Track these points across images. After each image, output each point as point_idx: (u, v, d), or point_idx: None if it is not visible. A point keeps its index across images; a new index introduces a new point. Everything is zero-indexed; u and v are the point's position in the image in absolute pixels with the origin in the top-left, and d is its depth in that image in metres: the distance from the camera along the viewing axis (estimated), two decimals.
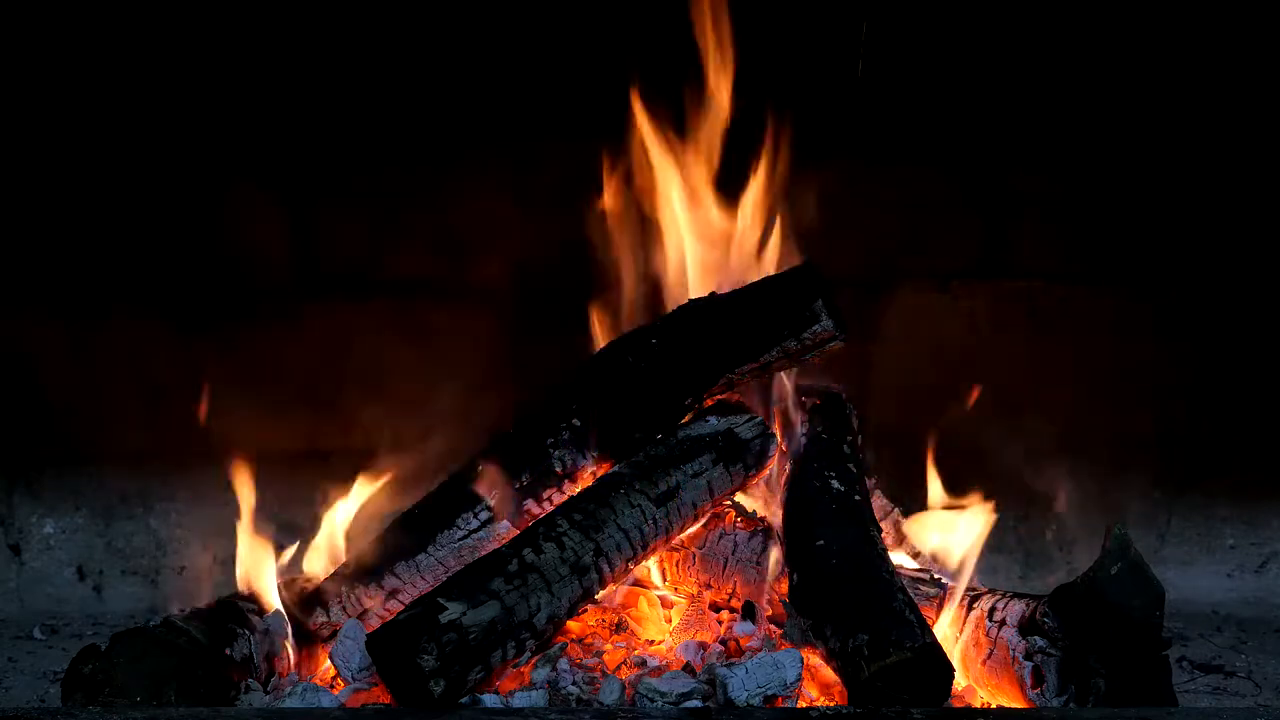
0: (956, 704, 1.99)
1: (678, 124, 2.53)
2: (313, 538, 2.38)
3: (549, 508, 2.20)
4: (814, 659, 2.00)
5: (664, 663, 2.07)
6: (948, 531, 2.37)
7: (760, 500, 2.38)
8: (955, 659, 2.01)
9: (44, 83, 2.94)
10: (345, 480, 2.69)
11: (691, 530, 2.25)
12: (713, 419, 2.25)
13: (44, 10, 2.89)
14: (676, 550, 2.30)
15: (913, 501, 2.47)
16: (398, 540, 2.24)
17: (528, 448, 2.25)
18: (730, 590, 2.27)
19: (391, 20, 2.94)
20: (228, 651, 2.01)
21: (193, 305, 3.02)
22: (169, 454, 3.06)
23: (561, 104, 2.93)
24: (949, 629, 2.10)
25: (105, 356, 3.01)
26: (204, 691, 1.92)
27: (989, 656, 2.01)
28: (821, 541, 2.06)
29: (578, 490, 2.21)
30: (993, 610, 2.04)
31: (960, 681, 2.04)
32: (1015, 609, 2.00)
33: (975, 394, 2.62)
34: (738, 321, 2.23)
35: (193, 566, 3.07)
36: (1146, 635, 1.86)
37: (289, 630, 2.15)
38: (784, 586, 2.14)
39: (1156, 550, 3.06)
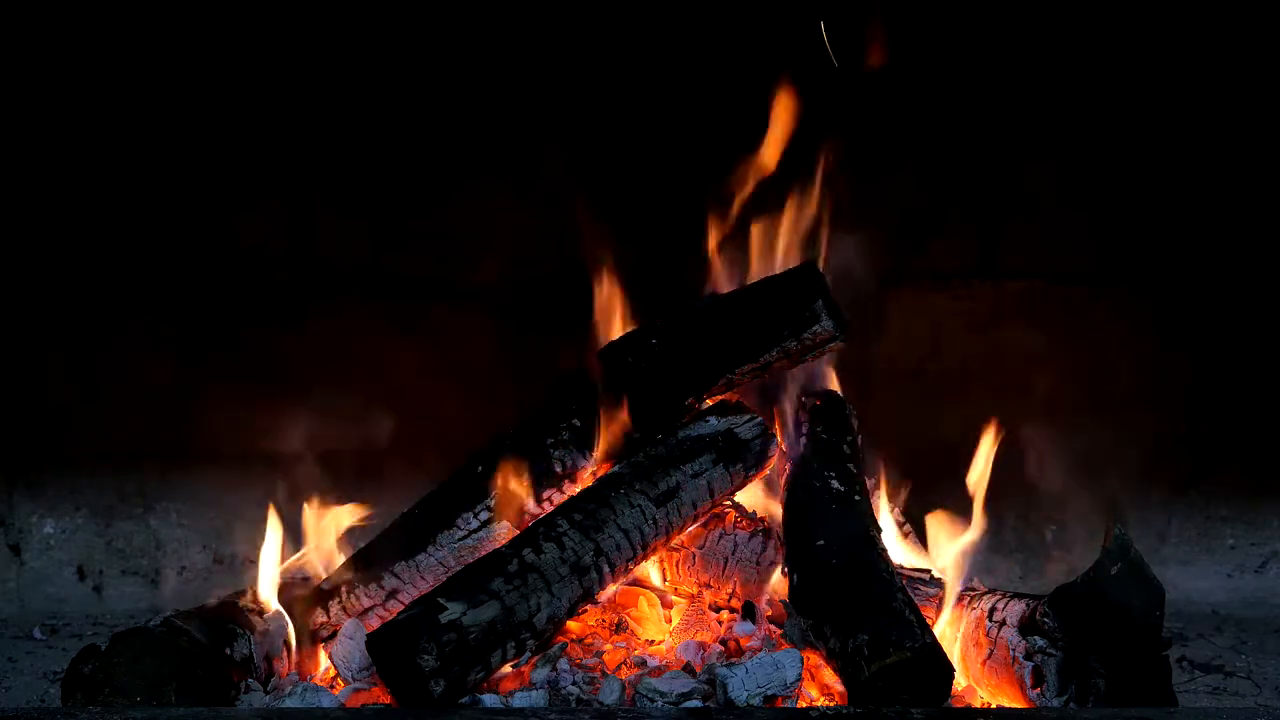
0: (956, 704, 2.00)
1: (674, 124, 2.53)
2: (312, 538, 2.38)
3: (549, 508, 2.20)
4: (814, 659, 2.00)
5: (664, 663, 2.07)
6: (946, 531, 2.37)
7: (760, 500, 2.38)
8: (955, 659, 2.01)
9: (47, 84, 2.94)
10: (345, 480, 2.69)
11: (691, 530, 2.26)
12: (713, 419, 2.25)
13: (50, 15, 2.90)
14: (676, 550, 2.30)
15: (912, 501, 2.47)
16: (397, 540, 2.24)
17: (528, 448, 2.25)
18: (730, 590, 2.27)
19: (392, 25, 2.94)
20: (228, 651, 2.01)
21: (192, 304, 3.02)
22: (169, 454, 3.06)
23: (561, 104, 2.93)
24: (949, 629, 2.10)
25: (105, 356, 3.01)
26: (204, 691, 1.92)
27: (989, 656, 2.01)
28: (821, 541, 2.06)
29: (578, 490, 2.21)
30: (993, 610, 2.04)
31: (960, 681, 2.04)
32: (1015, 609, 2.00)
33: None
34: (738, 322, 2.23)
35: (193, 566, 3.07)
36: (1146, 635, 1.86)
37: (289, 630, 2.15)
38: (784, 586, 2.14)
39: (1156, 550, 3.05)
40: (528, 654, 1.96)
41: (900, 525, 2.44)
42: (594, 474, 2.24)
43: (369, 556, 2.25)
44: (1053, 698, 1.88)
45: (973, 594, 2.13)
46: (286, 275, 3.04)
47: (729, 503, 2.30)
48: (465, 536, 2.21)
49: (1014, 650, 1.95)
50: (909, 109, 2.98)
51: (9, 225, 2.98)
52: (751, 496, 2.38)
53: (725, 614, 2.25)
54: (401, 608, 2.05)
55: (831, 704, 1.96)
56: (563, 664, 2.01)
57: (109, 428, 3.04)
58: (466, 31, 2.95)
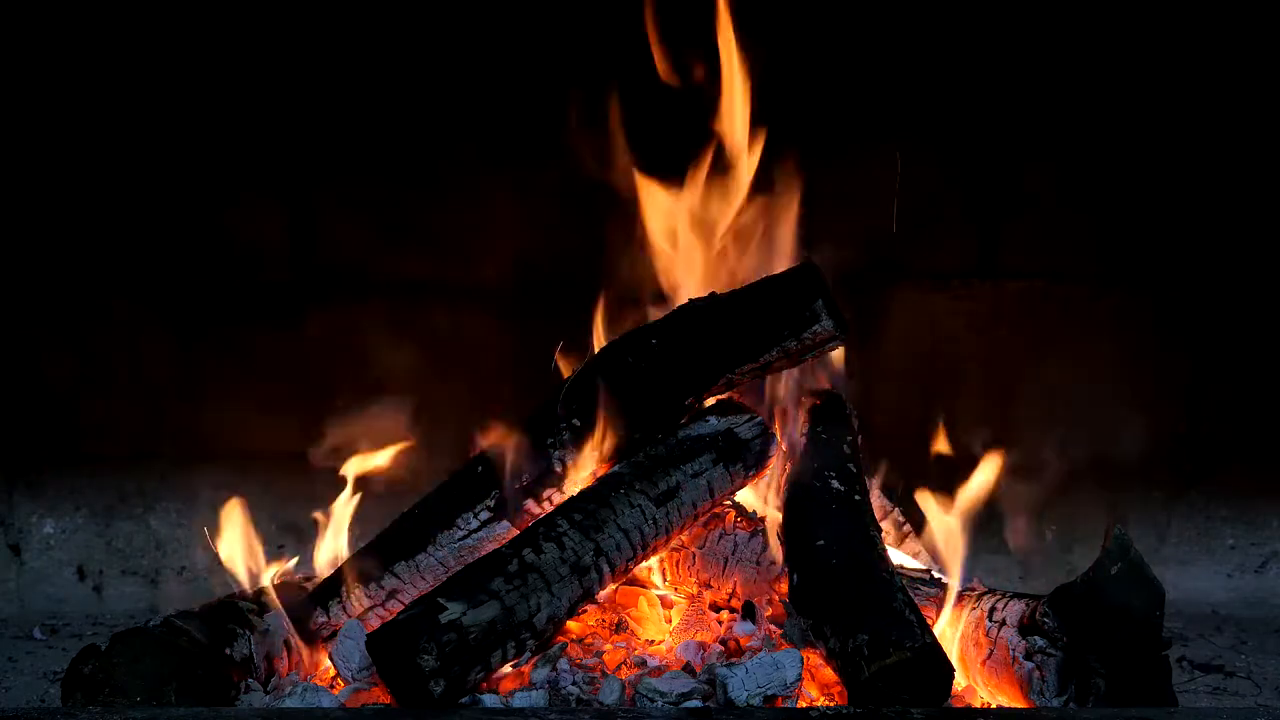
0: (956, 704, 1.99)
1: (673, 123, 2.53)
2: (312, 537, 2.38)
3: (549, 508, 2.20)
4: (814, 659, 2.00)
5: (664, 663, 2.07)
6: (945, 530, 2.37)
7: (760, 500, 2.38)
8: (955, 659, 2.01)
9: (47, 83, 2.94)
10: (345, 480, 2.69)
11: (692, 530, 2.25)
12: (713, 419, 2.25)
13: (54, 13, 2.90)
14: (676, 550, 2.30)
15: (911, 501, 2.47)
16: (397, 540, 2.24)
17: (528, 448, 2.25)
18: (730, 590, 2.27)
19: (391, 22, 2.94)
20: (228, 651, 2.00)
21: (192, 305, 3.02)
22: (169, 454, 3.06)
23: (561, 103, 2.93)
24: (949, 629, 2.10)
25: (105, 356, 3.01)
26: (204, 691, 1.92)
27: (989, 656, 2.01)
28: (821, 541, 2.05)
29: (578, 490, 2.21)
30: (993, 610, 2.04)
31: (960, 681, 2.04)
32: (1015, 609, 2.00)
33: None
34: (738, 321, 2.23)
35: (193, 566, 3.07)
36: (1146, 635, 1.86)
37: (289, 630, 2.15)
38: (784, 586, 2.14)
39: (1156, 550, 3.06)
40: (528, 654, 1.96)
41: (900, 525, 2.44)
42: (594, 474, 2.24)
43: (369, 556, 2.25)
44: (1053, 698, 1.88)
45: (973, 594, 2.13)
46: (286, 275, 3.04)
47: (729, 503, 2.30)
48: (465, 536, 2.20)
49: (1014, 650, 1.95)
50: (910, 108, 2.99)
51: (10, 226, 2.98)
52: (751, 497, 2.38)
53: (725, 614, 2.25)
54: (401, 608, 2.05)
55: (831, 704, 1.96)
56: (563, 664, 2.00)
57: (109, 428, 3.04)
58: (466, 31, 2.95)
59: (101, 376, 3.02)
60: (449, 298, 3.04)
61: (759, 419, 2.28)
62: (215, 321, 3.02)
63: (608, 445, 2.23)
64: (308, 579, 2.32)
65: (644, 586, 2.30)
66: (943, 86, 2.98)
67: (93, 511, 3.07)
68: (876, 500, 2.39)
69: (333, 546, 2.35)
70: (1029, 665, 1.91)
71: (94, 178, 2.98)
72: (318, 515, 2.37)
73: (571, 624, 2.12)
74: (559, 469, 2.24)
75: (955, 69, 2.97)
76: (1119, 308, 3.07)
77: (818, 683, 2.01)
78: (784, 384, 2.43)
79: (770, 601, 2.22)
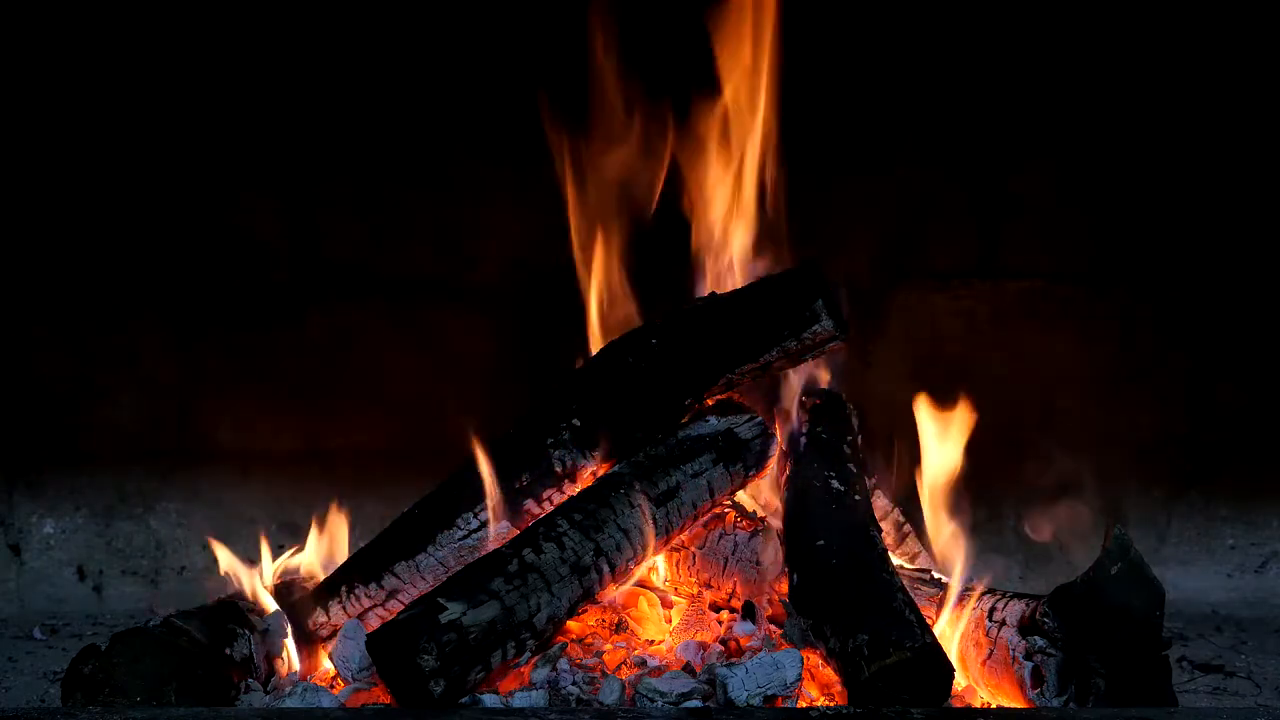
0: (956, 704, 2.00)
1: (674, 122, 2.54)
2: (312, 537, 2.38)
3: (549, 508, 2.20)
4: (814, 659, 2.00)
5: (664, 663, 2.07)
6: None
7: (760, 500, 2.38)
8: (955, 659, 2.01)
9: (47, 83, 2.94)
10: (345, 480, 2.69)
11: (691, 530, 2.25)
12: (713, 419, 2.25)
13: (55, 14, 2.90)
14: (676, 550, 2.30)
15: (911, 501, 2.47)
16: (397, 540, 2.24)
17: (528, 448, 2.25)
18: (730, 590, 2.27)
19: (391, 22, 2.94)
20: (228, 651, 2.01)
21: (193, 305, 3.02)
22: (169, 454, 3.06)
23: (561, 101, 2.93)
24: (949, 629, 2.10)
25: (105, 356, 3.01)
26: (204, 691, 1.92)
27: (989, 656, 2.01)
28: (821, 541, 2.06)
29: (578, 490, 2.21)
30: (993, 610, 2.04)
31: (960, 681, 2.04)
32: (1015, 609, 2.00)
33: None
34: (738, 321, 2.23)
35: (193, 566, 3.07)
36: (1146, 635, 1.86)
37: (289, 630, 2.15)
38: (784, 586, 2.14)
39: (1156, 550, 3.06)
40: (528, 654, 1.96)
41: (900, 525, 2.44)
42: (594, 474, 2.24)
43: (369, 556, 2.25)
44: (1053, 698, 1.88)
45: (973, 594, 2.13)
46: (286, 275, 3.04)
47: (729, 503, 2.30)
48: (465, 536, 2.20)
49: (1014, 650, 1.95)
50: (910, 109, 2.99)
51: (11, 226, 2.99)
52: (751, 497, 2.38)
53: (725, 614, 2.25)
54: (401, 608, 2.05)
55: (831, 704, 1.96)
56: (563, 664, 2.00)
57: (109, 427, 3.04)
58: (466, 31, 2.95)
59: (101, 376, 3.02)
60: (449, 297, 3.04)
61: (759, 419, 2.28)
62: (215, 321, 3.03)
63: (608, 445, 2.23)
64: (308, 579, 2.31)
65: (644, 586, 2.30)
66: (943, 87, 2.98)
67: (93, 511, 3.07)
68: (876, 500, 2.39)
69: (330, 548, 2.35)
70: (1029, 665, 1.91)
71: (94, 177, 2.98)
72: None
73: (571, 624, 2.12)
74: (559, 469, 2.24)
75: (955, 69, 2.97)
76: (1119, 308, 3.07)
77: (818, 683, 2.01)
78: (784, 384, 2.43)
79: (770, 601, 2.22)
